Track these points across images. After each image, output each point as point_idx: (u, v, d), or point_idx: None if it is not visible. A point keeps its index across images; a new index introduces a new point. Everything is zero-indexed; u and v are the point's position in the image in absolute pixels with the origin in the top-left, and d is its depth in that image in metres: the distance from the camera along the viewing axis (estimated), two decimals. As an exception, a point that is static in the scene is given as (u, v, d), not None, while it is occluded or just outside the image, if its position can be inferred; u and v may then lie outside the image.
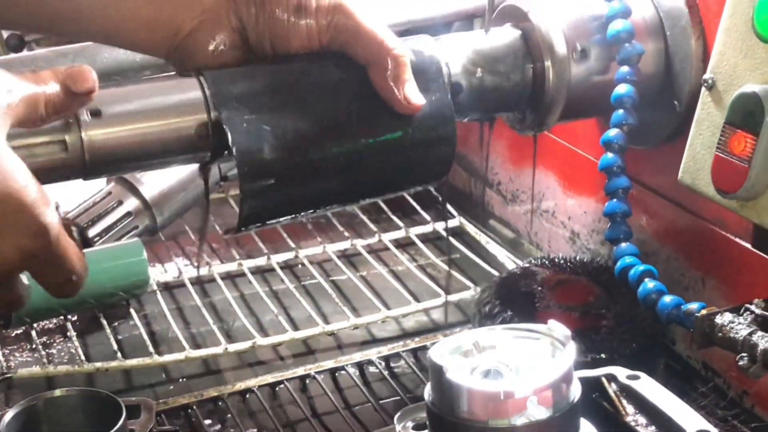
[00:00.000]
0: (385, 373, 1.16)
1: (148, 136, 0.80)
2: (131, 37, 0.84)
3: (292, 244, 1.40)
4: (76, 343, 1.20)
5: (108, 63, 1.08)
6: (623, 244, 1.01)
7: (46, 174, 0.75)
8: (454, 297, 1.27)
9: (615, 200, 1.02)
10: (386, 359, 1.19)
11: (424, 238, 1.43)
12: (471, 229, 1.44)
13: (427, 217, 1.45)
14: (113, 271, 1.21)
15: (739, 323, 0.86)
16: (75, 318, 1.26)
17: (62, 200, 1.38)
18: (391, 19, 1.16)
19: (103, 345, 1.21)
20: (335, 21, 0.82)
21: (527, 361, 0.77)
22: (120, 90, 0.81)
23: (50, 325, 1.26)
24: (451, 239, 1.41)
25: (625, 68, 0.99)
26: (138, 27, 0.82)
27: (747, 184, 0.86)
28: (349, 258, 1.41)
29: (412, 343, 1.20)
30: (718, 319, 0.87)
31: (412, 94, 0.83)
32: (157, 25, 0.82)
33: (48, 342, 1.23)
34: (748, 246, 0.99)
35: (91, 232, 1.23)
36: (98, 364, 1.15)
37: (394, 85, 0.83)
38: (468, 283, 1.30)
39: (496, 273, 1.28)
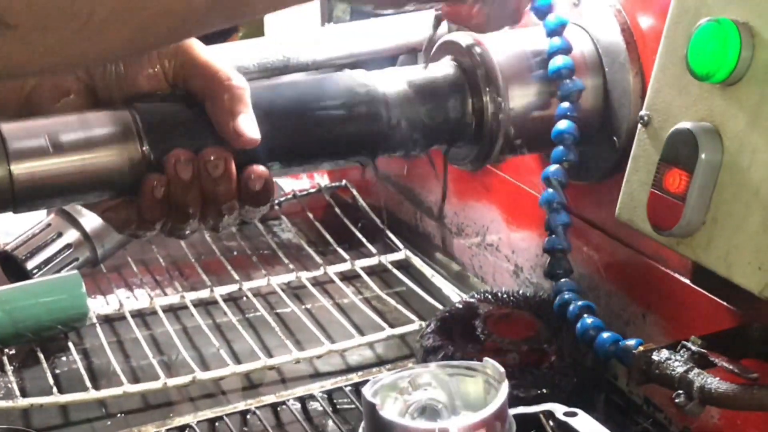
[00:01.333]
0: (328, 408, 1.15)
1: (76, 168, 0.79)
2: None
3: (237, 277, 1.39)
4: (12, 378, 1.17)
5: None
6: (562, 280, 1.01)
7: None
8: (398, 330, 1.27)
9: (554, 236, 1.02)
10: (329, 394, 1.18)
11: (370, 270, 1.42)
12: (417, 261, 1.43)
13: (373, 250, 1.45)
14: (51, 305, 1.19)
15: (676, 360, 0.86)
16: (12, 351, 1.24)
17: (2, 232, 1.38)
18: (335, 52, 1.16)
19: (40, 379, 1.19)
20: (178, 61, 0.82)
21: (462, 399, 0.77)
22: (49, 120, 0.80)
23: (-14, 361, 1.24)
24: (397, 272, 1.41)
25: (565, 104, 1.00)
26: None
27: (682, 221, 0.86)
28: (294, 291, 1.40)
29: (356, 377, 1.20)
30: (655, 356, 0.87)
31: (246, 126, 0.81)
32: (2, 84, 0.81)
33: (-16, 377, 1.21)
34: (688, 282, 0.99)
35: (30, 264, 1.22)
36: (33, 400, 1.13)
37: (229, 116, 0.81)
38: (412, 316, 1.29)
39: (441, 306, 1.27)
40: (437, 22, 1.01)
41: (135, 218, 0.83)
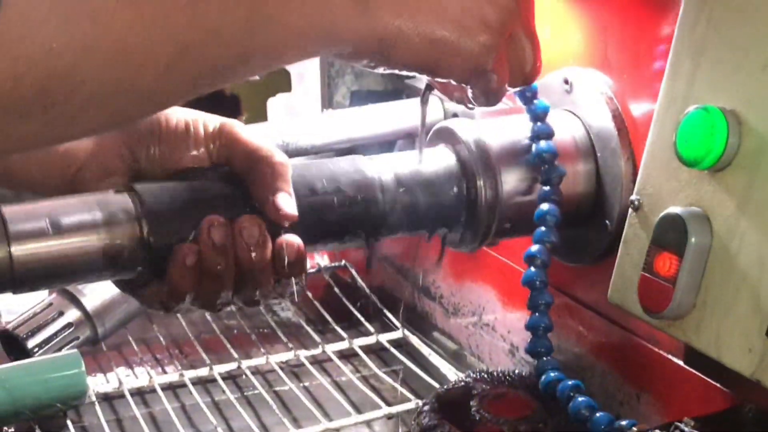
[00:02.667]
0: (324, 487, 1.15)
1: (76, 250, 0.80)
2: (25, 177, 0.85)
3: (236, 355, 1.40)
4: (11, 455, 1.18)
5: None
6: (545, 358, 1.02)
7: None
8: (395, 409, 1.27)
9: (537, 314, 1.03)
10: (326, 473, 1.18)
11: (368, 349, 1.43)
12: (414, 340, 1.44)
13: (371, 329, 1.46)
14: (50, 383, 1.20)
15: (669, 441, 0.87)
16: (11, 429, 1.24)
17: (3, 310, 1.39)
18: (334, 137, 1.18)
19: (38, 457, 1.20)
20: (221, 142, 0.84)
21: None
22: (49, 203, 0.82)
23: (-13, 433, 1.24)
24: (395, 351, 1.42)
25: (547, 187, 1.02)
26: (31, 167, 0.84)
27: (673, 304, 0.87)
28: (293, 369, 1.40)
29: (353, 456, 1.20)
30: (648, 437, 0.88)
31: (285, 203, 0.82)
32: (50, 164, 0.84)
33: (-17, 453, 1.22)
34: (681, 363, 1.01)
35: (31, 343, 1.23)
36: (31, 478, 1.14)
37: (269, 192, 0.82)
38: (409, 395, 1.30)
39: (437, 385, 1.28)
40: (428, 90, 1.03)
41: (164, 290, 0.83)
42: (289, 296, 0.88)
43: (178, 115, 0.85)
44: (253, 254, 0.82)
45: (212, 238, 0.81)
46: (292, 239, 0.84)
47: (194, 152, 0.84)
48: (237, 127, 0.85)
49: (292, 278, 0.85)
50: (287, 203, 0.83)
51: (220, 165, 0.85)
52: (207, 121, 0.85)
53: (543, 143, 1.02)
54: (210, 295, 0.83)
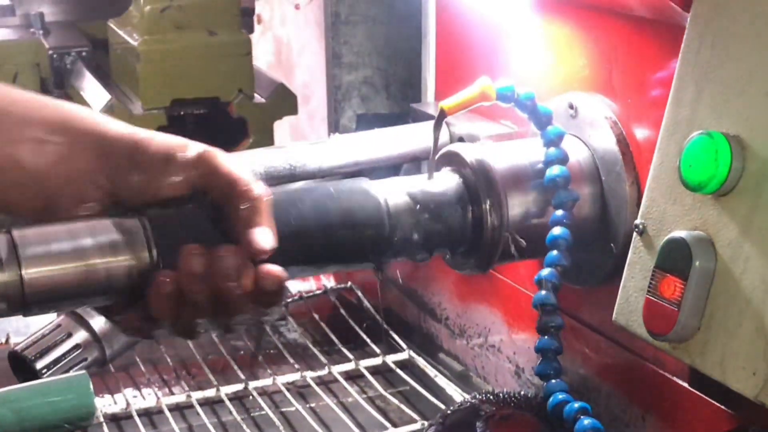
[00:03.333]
0: (331, 508, 1.16)
1: (85, 274, 0.81)
2: (2, 198, 0.84)
3: (242, 376, 1.40)
4: (20, 477, 1.18)
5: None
6: (553, 381, 1.03)
7: None
8: (401, 430, 1.28)
9: (547, 337, 1.04)
10: (332, 494, 1.19)
11: (374, 370, 1.44)
12: (420, 362, 1.45)
13: (377, 350, 1.47)
14: (58, 404, 1.20)
15: (674, 463, 0.88)
16: (20, 450, 1.25)
17: (12, 331, 1.40)
18: (340, 161, 1.19)
19: (47, 478, 1.20)
20: (200, 170, 0.83)
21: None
22: (57, 228, 0.82)
23: (-5, 457, 1.25)
24: (401, 372, 1.43)
25: (560, 212, 1.03)
26: (7, 188, 0.83)
27: (677, 327, 0.88)
28: (299, 390, 1.41)
29: (359, 478, 1.21)
30: (654, 459, 0.89)
31: (260, 237, 0.82)
32: (26, 187, 0.83)
33: (-9, 475, 1.22)
34: (685, 385, 1.01)
35: (39, 365, 1.23)
36: (40, 499, 1.14)
37: (246, 226, 0.82)
38: (415, 416, 1.31)
39: (443, 406, 1.29)
40: (441, 115, 1.04)
41: (141, 316, 0.83)
42: (266, 322, 0.87)
43: (157, 141, 0.84)
44: (232, 284, 0.82)
45: (191, 266, 0.81)
46: (273, 269, 0.83)
47: (174, 178, 0.83)
48: (217, 156, 0.84)
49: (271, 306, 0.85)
50: (263, 238, 0.82)
51: (200, 194, 0.85)
52: (188, 148, 0.84)
53: (557, 168, 1.03)
54: (188, 322, 0.83)
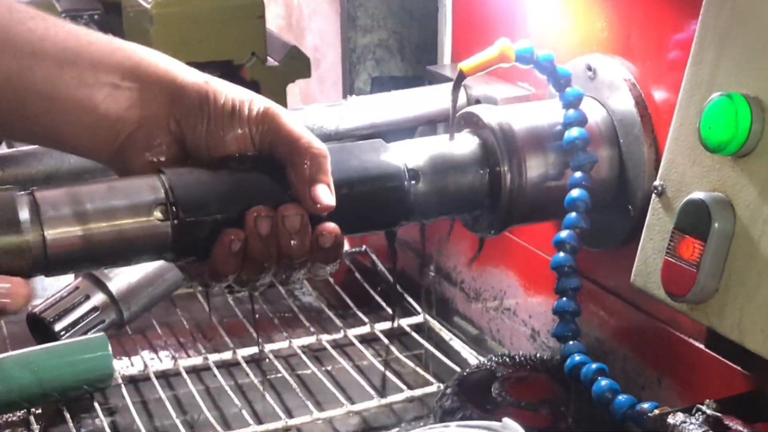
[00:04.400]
0: (347, 468, 1.17)
1: (107, 235, 0.82)
2: (73, 142, 0.86)
3: (258, 339, 1.41)
4: (39, 437, 1.20)
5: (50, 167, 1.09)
6: (571, 342, 1.03)
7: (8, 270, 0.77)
8: (417, 392, 1.29)
9: (565, 299, 1.04)
10: (349, 454, 1.20)
11: (389, 333, 1.44)
12: (435, 325, 1.46)
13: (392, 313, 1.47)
14: (77, 365, 1.22)
15: (691, 423, 0.88)
16: (39, 411, 1.26)
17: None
18: (357, 122, 1.19)
19: (66, 439, 1.21)
20: (264, 127, 0.85)
21: (482, 460, 0.79)
22: (83, 189, 0.83)
23: (14, 419, 1.26)
24: (416, 335, 1.43)
25: (578, 174, 1.03)
26: (80, 132, 0.85)
27: (696, 288, 0.88)
28: (315, 353, 1.42)
29: (375, 438, 1.22)
30: (671, 419, 0.89)
31: (322, 194, 0.84)
32: (99, 130, 0.84)
33: (10, 435, 1.23)
34: (702, 346, 1.02)
35: (58, 327, 1.24)
36: (60, 459, 1.15)
37: (307, 183, 0.83)
38: (431, 378, 1.31)
39: (458, 369, 1.29)
40: (460, 77, 1.04)
41: (207, 270, 0.84)
42: (322, 276, 0.89)
43: (227, 93, 0.85)
44: (294, 242, 0.84)
45: (258, 228, 0.83)
46: (331, 227, 0.85)
47: (239, 132, 0.84)
48: (281, 113, 0.85)
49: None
50: (325, 195, 0.84)
51: (260, 154, 0.86)
52: (253, 103, 0.85)
53: (576, 130, 1.03)
54: (251, 278, 0.85)
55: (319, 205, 0.83)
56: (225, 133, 0.85)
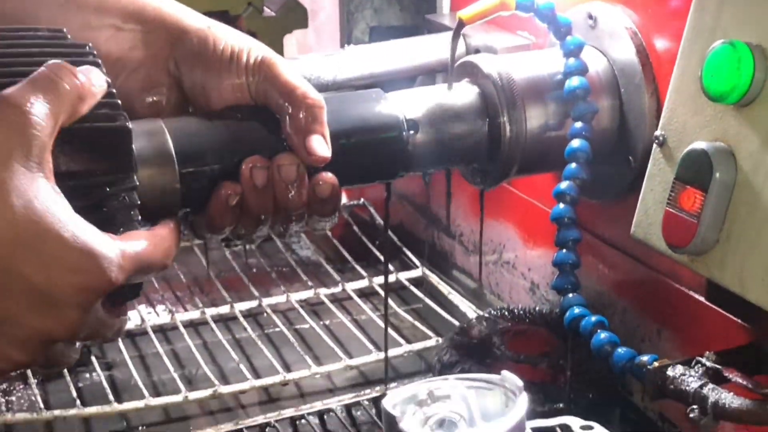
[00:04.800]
0: (346, 422, 1.16)
1: None
2: None
3: (256, 293, 1.41)
4: (36, 391, 1.20)
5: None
6: (570, 295, 1.02)
7: None
8: (415, 346, 1.28)
9: (564, 251, 1.03)
10: (347, 408, 1.19)
11: (388, 287, 1.44)
12: (434, 279, 1.45)
13: (391, 267, 1.46)
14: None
15: (691, 376, 0.88)
16: (36, 365, 1.26)
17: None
18: (355, 72, 1.18)
19: (63, 392, 1.21)
20: (261, 76, 0.83)
21: (480, 412, 0.78)
22: None
23: (11, 373, 1.25)
24: (414, 289, 1.43)
25: (579, 124, 1.01)
26: None
27: (696, 239, 0.87)
28: (313, 307, 1.42)
29: (373, 392, 1.21)
30: (670, 372, 0.89)
31: (317, 145, 0.82)
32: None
33: (8, 389, 1.23)
34: (702, 299, 1.01)
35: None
36: (57, 412, 1.15)
37: (302, 134, 0.82)
38: (429, 332, 1.31)
39: (457, 323, 1.29)
40: (460, 26, 1.02)
41: (203, 222, 0.83)
42: (321, 230, 0.88)
43: (227, 39, 0.84)
44: (291, 193, 0.83)
45: (254, 180, 0.81)
46: (328, 177, 0.84)
47: (235, 80, 0.83)
48: (277, 62, 0.84)
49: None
50: (320, 146, 0.83)
51: (257, 105, 0.85)
52: (251, 51, 0.84)
53: (576, 79, 1.02)
54: (248, 230, 0.84)
55: (313, 156, 0.82)
56: (221, 80, 0.83)
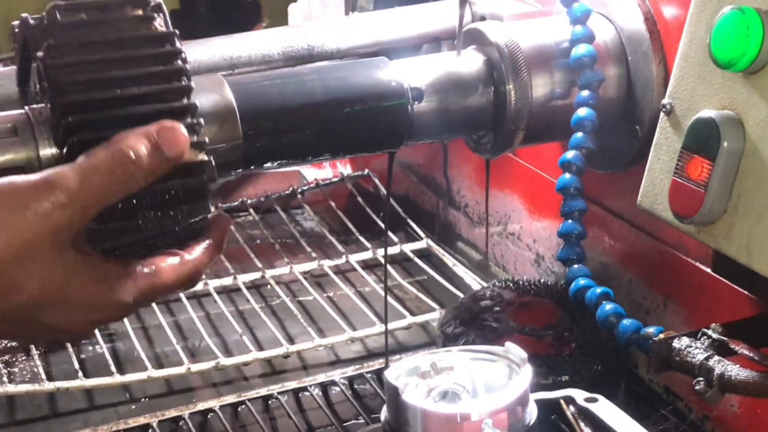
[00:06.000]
0: (349, 393, 1.16)
1: None
2: None
3: (259, 265, 1.40)
4: (38, 362, 1.19)
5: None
6: (576, 266, 1.01)
7: None
8: (419, 318, 1.28)
9: (570, 221, 1.02)
10: (350, 380, 1.19)
11: (392, 259, 1.43)
12: (438, 250, 1.44)
13: (395, 239, 1.46)
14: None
15: (696, 348, 0.87)
16: (39, 337, 1.25)
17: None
18: (360, 41, 1.16)
19: (65, 364, 1.20)
20: None
21: (484, 383, 0.77)
22: None
23: (13, 343, 1.25)
24: (418, 261, 1.42)
25: (586, 92, 1.00)
26: None
27: (703, 209, 0.86)
28: (316, 279, 1.41)
29: (377, 364, 1.21)
30: (676, 344, 0.88)
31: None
32: None
33: (10, 360, 1.23)
34: (708, 270, 1.00)
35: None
36: (59, 384, 1.14)
37: None
38: (433, 304, 1.30)
39: (461, 294, 1.28)
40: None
41: None
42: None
43: None
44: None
45: None
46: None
47: None
48: None
49: None
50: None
51: None
52: None
53: (583, 47, 1.00)
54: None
55: None
56: None
